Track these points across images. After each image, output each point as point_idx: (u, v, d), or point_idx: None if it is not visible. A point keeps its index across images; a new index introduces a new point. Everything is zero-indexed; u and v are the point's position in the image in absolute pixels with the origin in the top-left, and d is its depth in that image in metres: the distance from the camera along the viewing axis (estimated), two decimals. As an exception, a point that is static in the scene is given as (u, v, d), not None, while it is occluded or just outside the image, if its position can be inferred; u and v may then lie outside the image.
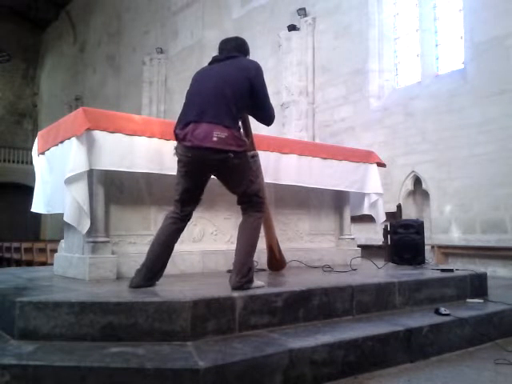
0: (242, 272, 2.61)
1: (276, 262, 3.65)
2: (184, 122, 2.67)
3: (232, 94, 2.63)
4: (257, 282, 2.69)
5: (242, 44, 2.96)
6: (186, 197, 2.76)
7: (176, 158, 2.74)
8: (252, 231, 2.75)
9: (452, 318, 2.91)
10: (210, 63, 2.88)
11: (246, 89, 2.68)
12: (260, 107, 2.82)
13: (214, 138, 2.53)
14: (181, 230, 2.80)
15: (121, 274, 3.10)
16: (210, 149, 2.55)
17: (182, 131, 2.66)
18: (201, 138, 2.56)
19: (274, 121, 2.97)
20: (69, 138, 2.95)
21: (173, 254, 2.82)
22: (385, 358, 2.50)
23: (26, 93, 23.01)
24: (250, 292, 2.52)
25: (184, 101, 2.81)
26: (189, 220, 2.83)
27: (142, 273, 2.70)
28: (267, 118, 2.89)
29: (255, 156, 3.12)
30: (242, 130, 2.80)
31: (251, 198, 2.76)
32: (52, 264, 3.64)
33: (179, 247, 3.42)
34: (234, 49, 2.88)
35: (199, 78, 2.82)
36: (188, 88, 2.83)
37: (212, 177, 2.85)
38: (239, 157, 2.63)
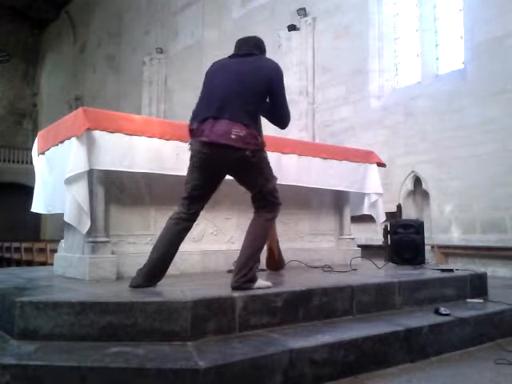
0: (242, 272, 2.59)
1: (274, 262, 3.65)
2: (202, 117, 2.62)
3: (251, 93, 2.61)
4: (262, 283, 2.64)
5: (261, 43, 2.93)
6: (196, 194, 2.69)
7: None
8: (259, 233, 2.70)
9: (452, 318, 2.91)
10: (229, 57, 2.82)
11: (265, 89, 2.65)
12: (277, 108, 2.78)
13: (233, 136, 2.50)
14: (186, 229, 2.73)
15: (121, 274, 3.10)
16: (227, 146, 2.52)
17: (199, 126, 2.61)
18: (219, 134, 2.52)
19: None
20: (69, 138, 2.95)
21: (173, 254, 2.81)
22: (385, 357, 2.50)
23: (25, 93, 22.97)
24: (250, 292, 2.51)
25: (200, 94, 2.75)
26: (194, 220, 2.76)
27: (143, 273, 2.68)
28: (283, 120, 2.84)
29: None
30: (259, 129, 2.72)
31: (265, 197, 2.71)
32: (52, 264, 3.64)
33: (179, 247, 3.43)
34: (255, 46, 2.83)
35: (217, 72, 2.75)
36: (204, 80, 2.77)
37: None
38: (256, 155, 2.60)
